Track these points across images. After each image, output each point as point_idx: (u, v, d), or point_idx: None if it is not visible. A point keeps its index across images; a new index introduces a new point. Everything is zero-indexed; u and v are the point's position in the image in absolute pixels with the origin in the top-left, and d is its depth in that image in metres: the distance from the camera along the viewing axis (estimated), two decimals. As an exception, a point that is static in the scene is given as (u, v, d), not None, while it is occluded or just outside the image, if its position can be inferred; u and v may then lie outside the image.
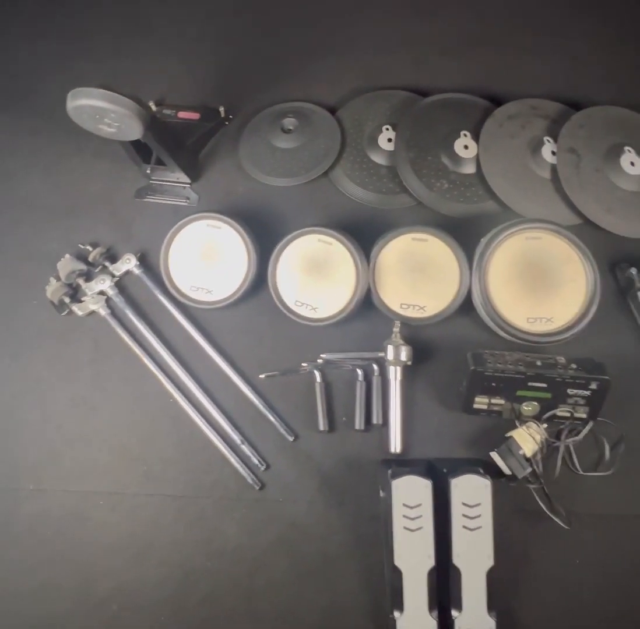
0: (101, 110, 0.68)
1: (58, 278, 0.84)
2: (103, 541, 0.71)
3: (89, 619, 0.69)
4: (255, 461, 0.73)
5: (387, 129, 0.92)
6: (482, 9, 1.01)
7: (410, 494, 0.64)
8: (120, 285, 0.85)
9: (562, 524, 0.66)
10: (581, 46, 0.97)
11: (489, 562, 0.63)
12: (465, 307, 0.79)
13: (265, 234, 0.84)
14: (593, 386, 0.68)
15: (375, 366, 0.77)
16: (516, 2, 1.00)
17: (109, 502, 0.72)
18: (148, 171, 0.89)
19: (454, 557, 0.63)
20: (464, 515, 0.63)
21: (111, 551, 0.71)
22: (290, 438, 0.74)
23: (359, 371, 0.77)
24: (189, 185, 0.92)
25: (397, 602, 0.63)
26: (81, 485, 0.74)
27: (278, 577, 0.68)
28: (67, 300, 0.83)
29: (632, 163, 0.86)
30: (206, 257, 0.82)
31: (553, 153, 0.87)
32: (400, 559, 0.63)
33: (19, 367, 0.81)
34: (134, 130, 0.71)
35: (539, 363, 0.70)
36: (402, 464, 0.69)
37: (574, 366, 0.69)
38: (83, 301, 0.83)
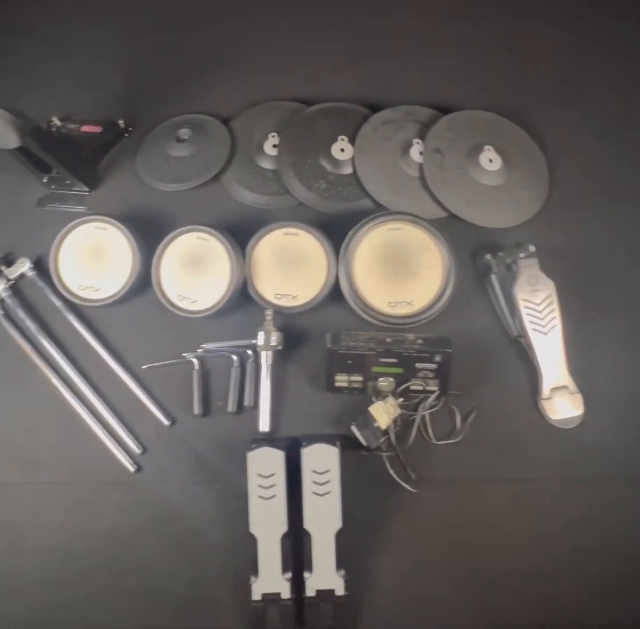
0: (-27, 121, 0.74)
1: (-45, 283, 0.89)
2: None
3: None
4: (133, 445, 0.77)
5: (273, 136, 0.99)
6: (365, 27, 1.10)
7: (264, 464, 0.68)
8: (16, 288, 0.89)
9: (410, 488, 0.72)
10: (452, 58, 1.07)
11: (338, 524, 0.67)
12: (334, 294, 0.85)
13: (156, 235, 0.89)
14: (437, 359, 0.74)
15: (250, 353, 0.83)
16: (395, 21, 1.10)
17: (-9, 492, 0.76)
18: (45, 180, 0.95)
19: (305, 522, 0.67)
20: (314, 482, 0.68)
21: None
22: (167, 423, 0.79)
23: (235, 358, 0.83)
24: (87, 193, 0.98)
25: (253, 568, 0.67)
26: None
27: (149, 554, 0.72)
28: (-38, 302, 0.88)
29: (491, 160, 0.94)
30: (94, 257, 0.87)
31: (420, 153, 0.96)
32: (254, 527, 0.67)
33: None
34: (10, 139, 0.76)
35: (388, 340, 0.76)
36: (271, 442, 0.74)
37: (420, 341, 0.75)
38: (-22, 303, 0.89)
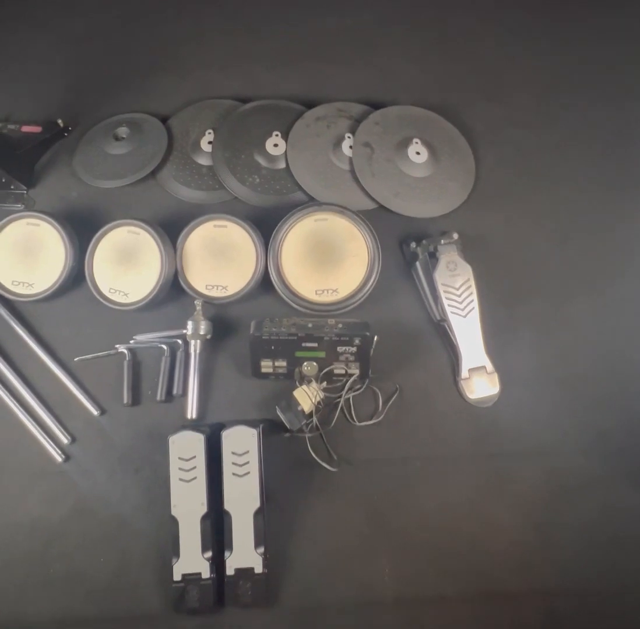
0: None
1: None
2: None
3: None
4: (61, 436, 0.78)
5: (209, 133, 1.02)
6: (298, 27, 1.13)
7: (185, 448, 0.70)
8: (-51, 284, 0.91)
9: (329, 468, 0.74)
10: (383, 57, 1.11)
11: (256, 504, 0.69)
12: (265, 284, 0.87)
13: (92, 231, 0.90)
14: (357, 342, 0.77)
15: (180, 342, 0.85)
16: (331, 21, 1.13)
17: None
18: (-20, 178, 0.97)
19: (225, 502, 0.69)
20: (234, 463, 0.70)
21: None
22: (96, 413, 0.80)
23: (165, 348, 0.84)
24: (25, 192, 0.99)
25: (175, 549, 0.69)
26: None
27: (74, 543, 0.73)
28: None
29: (418, 153, 0.98)
30: (27, 254, 0.88)
31: (351, 147, 0.99)
32: (175, 509, 0.69)
33: None
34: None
35: (310, 325, 0.78)
36: (195, 428, 0.75)
37: (340, 326, 0.78)
38: None
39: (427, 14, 1.15)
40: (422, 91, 1.08)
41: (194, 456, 0.69)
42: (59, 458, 0.76)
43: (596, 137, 1.02)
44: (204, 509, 0.68)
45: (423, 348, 0.85)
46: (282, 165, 0.99)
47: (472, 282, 0.84)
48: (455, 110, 1.05)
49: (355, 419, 0.79)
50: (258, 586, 0.67)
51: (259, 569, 0.68)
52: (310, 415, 0.77)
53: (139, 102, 1.08)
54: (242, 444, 0.70)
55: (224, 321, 0.86)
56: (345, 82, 1.09)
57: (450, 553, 0.73)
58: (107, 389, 0.82)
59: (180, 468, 0.69)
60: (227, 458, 0.69)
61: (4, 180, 0.97)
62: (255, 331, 0.77)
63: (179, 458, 0.69)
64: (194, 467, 0.69)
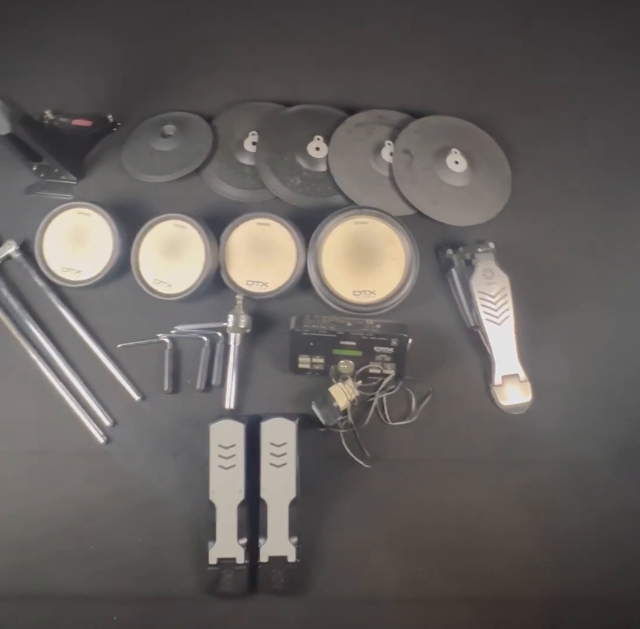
0: (-35, 106, 0.78)
1: (-58, 262, 0.94)
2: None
3: None
4: (103, 418, 0.81)
5: (253, 134, 1.05)
6: (339, 35, 1.16)
7: (225, 436, 0.73)
8: (2, 268, 0.93)
9: (363, 464, 0.76)
10: (422, 67, 1.13)
11: (292, 494, 0.71)
12: (303, 283, 0.90)
13: (137, 223, 0.93)
14: (394, 343, 0.79)
15: (220, 334, 0.87)
16: (368, 29, 1.16)
17: (-34, 459, 0.80)
18: (34, 168, 1.00)
19: (262, 491, 0.71)
20: (272, 453, 0.72)
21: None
22: (137, 398, 0.83)
23: (205, 339, 0.87)
24: (74, 183, 1.03)
25: (211, 533, 0.71)
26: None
27: (112, 521, 0.76)
28: (-52, 281, 0.92)
29: (457, 162, 1.00)
30: (77, 242, 0.92)
31: (391, 154, 1.02)
32: (214, 495, 0.72)
33: None
34: (1, 125, 0.81)
35: (349, 324, 0.80)
36: (234, 417, 0.77)
37: (378, 326, 0.80)
38: (-37, 282, 0.93)
39: (464, 26, 1.17)
40: (459, 101, 1.10)
41: (234, 445, 0.72)
42: (101, 440, 0.79)
43: (632, 151, 1.03)
44: (241, 496, 0.71)
45: (455, 352, 0.87)
46: (323, 168, 1.02)
47: (508, 291, 0.85)
48: (491, 121, 1.07)
49: (388, 418, 0.81)
50: (290, 575, 0.69)
51: (292, 558, 0.70)
52: (345, 411, 0.79)
53: (184, 101, 1.12)
54: (280, 435, 0.72)
55: (261, 316, 0.88)
56: (383, 90, 1.12)
57: (477, 555, 0.74)
58: (148, 376, 0.85)
59: (220, 455, 0.71)
60: (265, 448, 0.72)
61: (56, 171, 1.00)
62: (296, 327, 0.80)
63: (219, 446, 0.72)
64: (233, 455, 0.71)
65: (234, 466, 0.71)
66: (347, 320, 0.81)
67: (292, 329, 0.79)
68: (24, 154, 0.98)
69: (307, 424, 0.79)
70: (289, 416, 0.73)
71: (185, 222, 0.90)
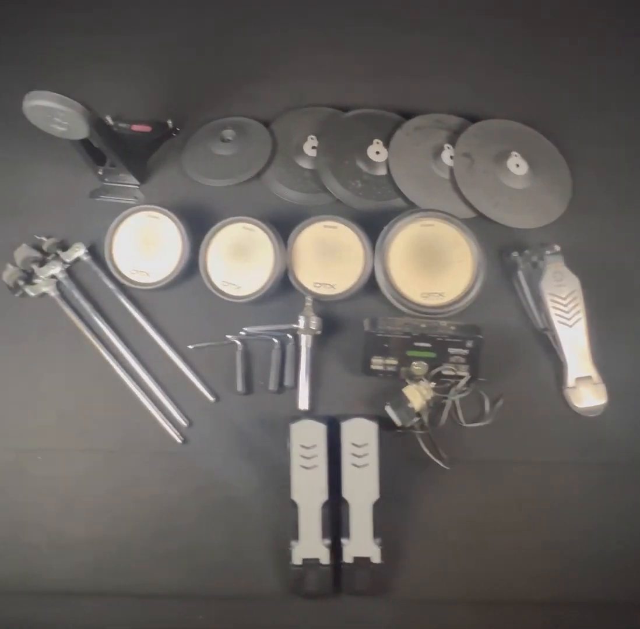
0: (51, 110, 0.81)
1: (14, 264, 0.94)
2: (38, 492, 0.79)
3: (18, 561, 0.75)
4: (180, 419, 0.82)
5: (312, 138, 1.06)
6: (392, 40, 1.17)
7: (307, 436, 0.73)
8: (70, 270, 0.95)
9: (442, 465, 0.76)
10: (478, 72, 1.14)
11: (375, 495, 0.71)
12: (370, 285, 0.90)
13: (201, 226, 0.95)
14: (469, 344, 0.79)
15: (290, 336, 0.88)
16: (422, 37, 1.17)
17: (46, 458, 0.80)
18: (100, 172, 1.02)
19: (344, 491, 0.72)
20: (353, 454, 0.72)
21: (45, 499, 0.78)
22: (212, 399, 0.84)
23: (276, 341, 0.88)
24: (137, 187, 1.05)
25: (294, 533, 0.71)
26: (22, 443, 0.82)
27: (191, 520, 0.76)
28: (21, 283, 0.93)
29: (517, 165, 1.00)
30: (146, 244, 0.93)
31: (451, 157, 1.02)
32: (297, 494, 0.72)
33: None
34: (81, 129, 0.83)
35: (423, 325, 0.81)
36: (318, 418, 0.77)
37: (453, 328, 0.80)
38: (35, 284, 0.93)
39: (517, 30, 1.18)
40: (516, 105, 1.10)
41: (315, 445, 0.72)
42: (178, 440, 0.80)
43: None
44: (324, 497, 0.71)
45: (524, 354, 0.87)
46: (383, 171, 1.03)
47: (579, 293, 0.85)
48: (548, 125, 1.08)
49: (462, 420, 0.81)
50: (375, 576, 0.69)
51: (376, 559, 0.70)
52: (418, 413, 0.80)
53: (240, 106, 1.13)
54: (361, 435, 0.72)
55: (328, 318, 0.89)
56: (437, 94, 1.12)
57: (557, 557, 0.74)
58: (220, 377, 0.85)
59: (301, 455, 0.72)
60: (346, 449, 0.72)
61: (120, 175, 1.02)
62: (371, 328, 0.80)
63: (301, 446, 0.72)
64: (315, 455, 0.72)
65: (316, 466, 0.71)
66: (421, 322, 0.82)
67: (368, 331, 0.80)
68: (91, 158, 1.01)
69: (380, 426, 0.80)
70: (369, 417, 0.74)
71: (254, 225, 0.91)
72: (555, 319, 0.85)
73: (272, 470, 0.78)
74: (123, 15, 1.23)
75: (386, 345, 0.80)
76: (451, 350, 0.79)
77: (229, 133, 1.09)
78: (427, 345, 0.79)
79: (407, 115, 1.10)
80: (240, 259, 0.91)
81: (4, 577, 0.75)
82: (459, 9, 1.20)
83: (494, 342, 0.86)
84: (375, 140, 1.04)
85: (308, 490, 0.71)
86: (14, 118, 1.09)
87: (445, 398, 0.82)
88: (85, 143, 0.94)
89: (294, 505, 0.71)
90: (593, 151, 1.05)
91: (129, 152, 1.03)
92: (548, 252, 0.89)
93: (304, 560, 0.70)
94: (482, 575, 0.74)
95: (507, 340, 0.88)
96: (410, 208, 1.00)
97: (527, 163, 1.00)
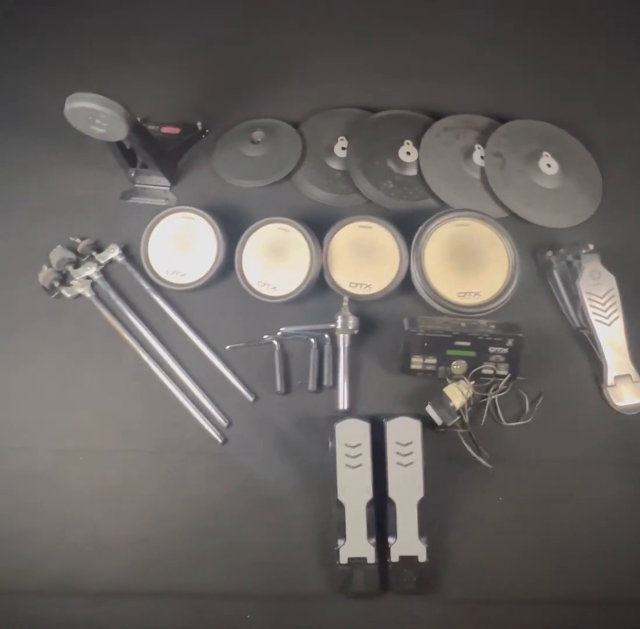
0: (94, 112, 0.81)
1: (50, 266, 0.95)
2: (81, 493, 0.79)
3: (63, 562, 0.75)
4: (219, 418, 0.82)
5: (342, 140, 1.07)
6: (419, 43, 1.17)
7: (351, 435, 0.73)
8: (105, 271, 0.96)
9: (485, 463, 0.76)
10: (506, 73, 1.15)
11: (420, 494, 0.71)
12: (406, 284, 0.91)
13: (233, 227, 0.96)
14: (509, 343, 0.79)
15: (327, 336, 0.88)
16: (449, 38, 1.18)
17: (87, 458, 0.81)
18: (132, 174, 1.03)
19: (390, 490, 0.72)
20: (398, 453, 0.72)
21: (88, 500, 0.79)
22: (251, 399, 0.84)
23: (313, 341, 0.88)
24: (168, 188, 1.05)
25: (341, 532, 0.71)
26: (63, 443, 0.82)
27: (234, 520, 0.76)
28: (56, 284, 0.94)
29: (549, 165, 1.01)
30: (181, 245, 0.94)
31: (482, 157, 1.02)
32: (342, 494, 0.72)
33: (12, 342, 0.90)
34: (120, 130, 0.83)
35: (463, 324, 0.81)
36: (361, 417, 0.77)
37: (493, 326, 0.80)
38: (71, 285, 0.94)
39: (545, 31, 1.19)
40: (544, 105, 1.11)
41: (360, 444, 0.72)
42: (219, 440, 0.80)
43: None
44: (369, 495, 0.71)
45: (561, 353, 0.87)
46: (413, 172, 1.03)
47: (616, 291, 0.85)
48: (576, 125, 1.08)
49: (502, 419, 0.81)
50: (422, 575, 0.69)
51: (422, 558, 0.70)
52: (459, 412, 0.80)
53: (269, 108, 1.14)
54: (405, 434, 0.72)
55: (365, 318, 0.89)
56: (465, 95, 1.13)
57: (600, 555, 0.74)
58: (258, 377, 0.86)
59: (346, 455, 0.72)
60: (391, 447, 0.72)
61: (153, 177, 1.03)
62: (411, 328, 0.80)
63: (345, 445, 0.72)
64: (360, 454, 0.72)
65: (360, 465, 0.71)
66: (460, 321, 0.82)
67: (408, 330, 0.80)
68: (122, 159, 1.02)
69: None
70: (413, 416, 0.74)
71: (289, 226, 0.92)
72: (593, 318, 0.85)
73: (312, 470, 0.78)
74: (151, 18, 1.24)
75: (426, 344, 0.80)
76: (491, 349, 0.79)
77: (258, 134, 1.09)
78: (467, 343, 0.79)
79: (436, 116, 1.11)
80: (275, 259, 0.91)
81: (49, 578, 0.75)
82: (487, 11, 1.21)
83: (531, 341, 0.85)
84: (406, 141, 1.05)
85: (353, 489, 0.71)
86: (45, 121, 1.13)
87: (485, 397, 0.82)
88: (120, 144, 0.95)
89: (339, 505, 0.71)
90: (621, 150, 1.05)
91: (160, 154, 1.04)
92: (584, 251, 0.89)
93: (350, 559, 0.70)
94: (527, 573, 0.74)
95: (544, 338, 0.88)
96: (442, 208, 1.00)
97: (558, 163, 1.02)
